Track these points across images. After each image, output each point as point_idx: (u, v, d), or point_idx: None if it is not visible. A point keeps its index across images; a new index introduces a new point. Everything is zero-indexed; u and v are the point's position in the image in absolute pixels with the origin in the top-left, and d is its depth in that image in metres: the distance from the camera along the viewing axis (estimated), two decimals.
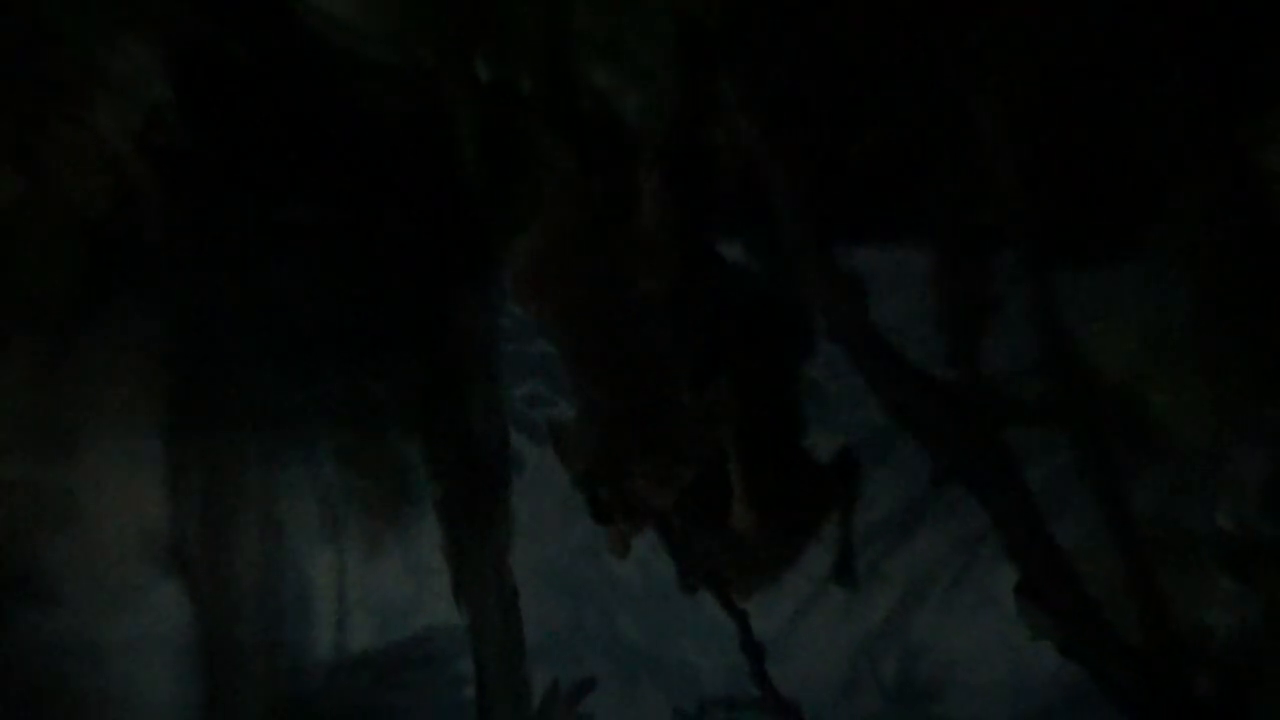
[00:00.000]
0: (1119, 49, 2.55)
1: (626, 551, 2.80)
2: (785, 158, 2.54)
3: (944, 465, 2.67)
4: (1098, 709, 2.62)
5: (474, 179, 2.63)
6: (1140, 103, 2.57)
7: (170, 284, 3.03)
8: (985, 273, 2.67)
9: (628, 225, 2.62)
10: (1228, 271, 2.58)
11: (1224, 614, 2.64)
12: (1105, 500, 2.54)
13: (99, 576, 3.12)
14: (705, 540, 2.81)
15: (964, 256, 2.67)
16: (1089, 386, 2.59)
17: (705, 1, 2.45)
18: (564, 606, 3.16)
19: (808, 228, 2.56)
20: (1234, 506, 2.66)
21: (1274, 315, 2.57)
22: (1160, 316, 2.63)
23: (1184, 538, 2.65)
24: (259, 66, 2.78)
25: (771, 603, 2.88)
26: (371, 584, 3.20)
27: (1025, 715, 2.97)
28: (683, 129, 2.52)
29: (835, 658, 3.02)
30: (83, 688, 3.14)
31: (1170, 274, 2.61)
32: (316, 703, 3.15)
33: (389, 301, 3.09)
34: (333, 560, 3.17)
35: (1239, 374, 2.59)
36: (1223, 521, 2.66)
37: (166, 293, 3.04)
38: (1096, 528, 2.56)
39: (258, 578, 3.13)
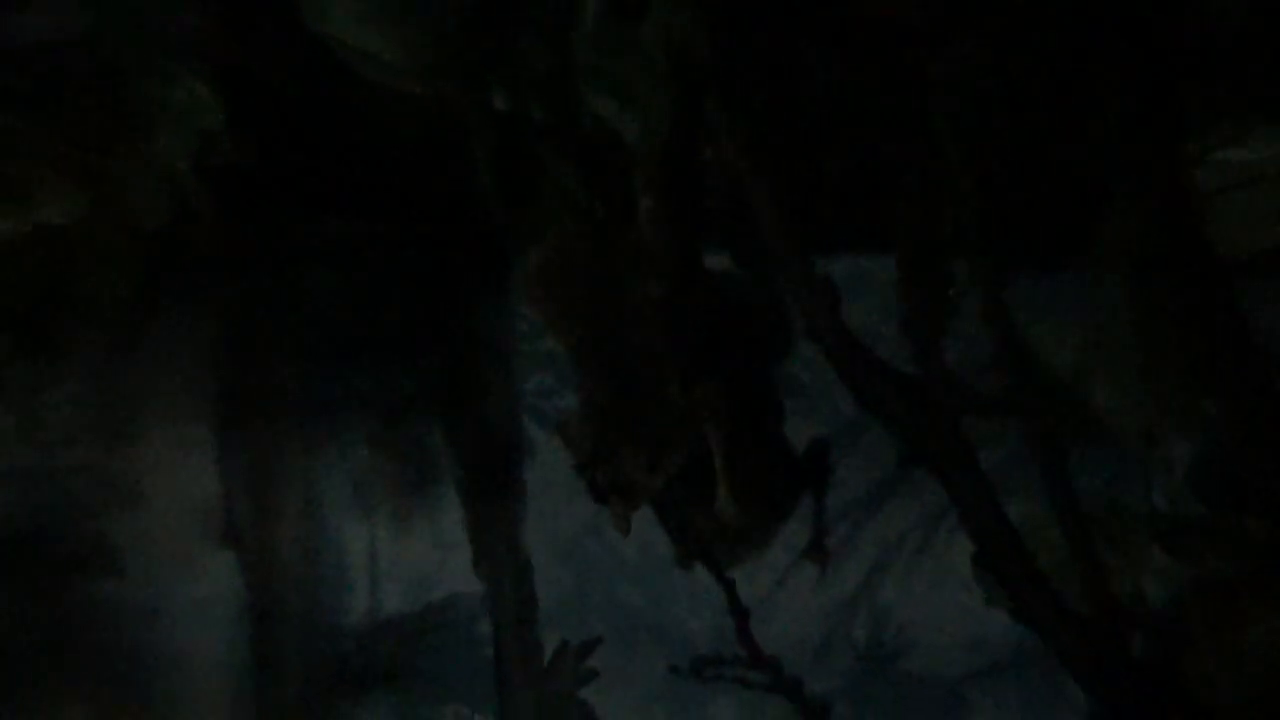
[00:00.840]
0: (1064, 83, 2.56)
1: (628, 529, 2.81)
2: (766, 177, 2.54)
3: (908, 451, 2.67)
4: (1044, 665, 2.62)
5: (490, 197, 2.63)
6: (1083, 130, 2.58)
7: (221, 290, 3.06)
8: (944, 279, 2.67)
9: (626, 238, 2.63)
10: (1160, 279, 2.58)
11: (1157, 583, 2.65)
12: (1052, 481, 2.54)
13: (159, 549, 3.13)
14: (695, 519, 2.82)
15: (925, 265, 2.68)
16: (1037, 381, 2.61)
17: (694, 39, 2.45)
18: (571, 576, 3.15)
19: (787, 240, 2.56)
20: (1166, 487, 2.67)
21: (1201, 318, 2.57)
22: (1100, 319, 2.64)
23: (1122, 515, 2.67)
24: (300, 98, 2.80)
25: (755, 572, 2.90)
26: (400, 556, 3.19)
27: (980, 671, 2.96)
28: (674, 152, 2.53)
29: (811, 621, 3.01)
30: (145, 648, 3.15)
31: (1110, 281, 2.61)
32: (351, 661, 3.16)
33: (415, 305, 3.12)
34: (365, 534, 3.18)
35: (1170, 370, 2.59)
36: (1156, 501, 2.67)
37: (218, 298, 3.07)
38: (1044, 506, 2.56)
39: (299, 550, 3.16)
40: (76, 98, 2.90)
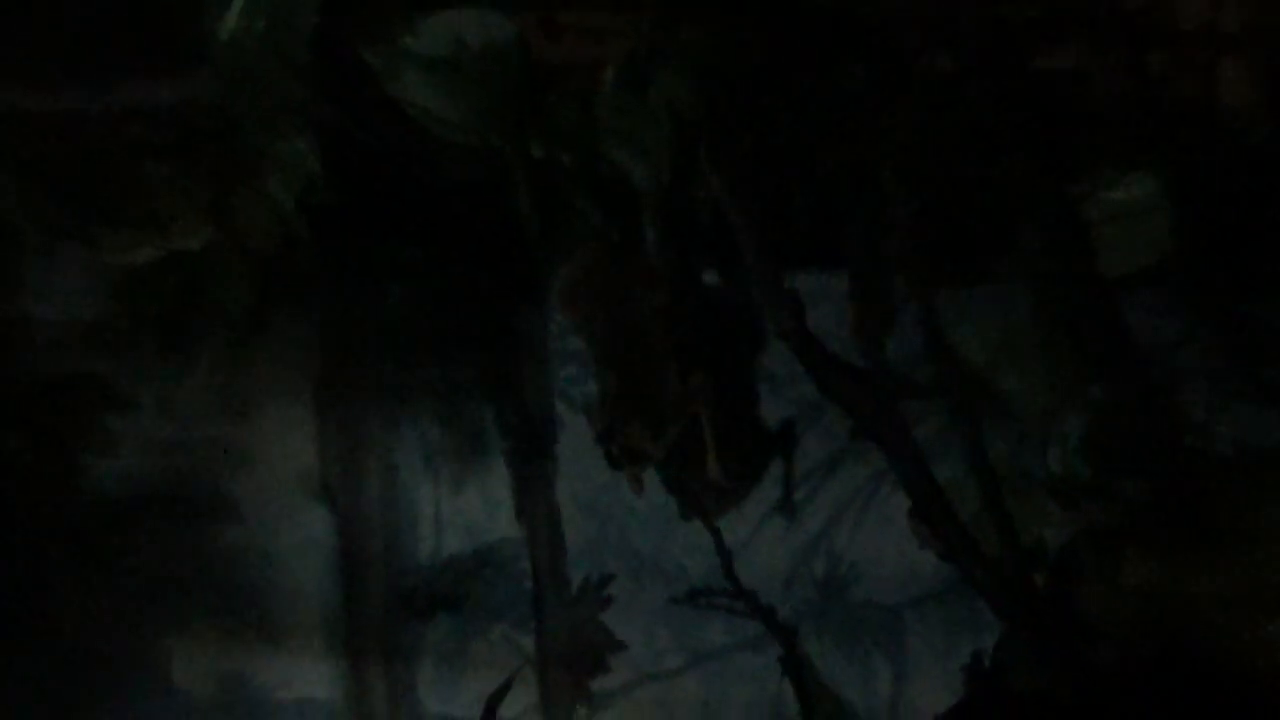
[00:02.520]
0: (983, 140, 2.58)
1: (641, 489, 2.84)
2: (745, 211, 2.57)
3: (858, 426, 2.69)
4: (965, 595, 2.66)
5: (529, 226, 2.66)
6: (996, 172, 2.59)
7: (318, 299, 3.07)
8: (887, 291, 2.68)
9: (635, 259, 2.68)
10: (1057, 291, 2.61)
11: (1054, 531, 2.65)
12: (971, 451, 2.58)
13: (269, 504, 3.15)
14: (690, 480, 2.84)
15: (871, 281, 2.68)
16: (958, 371, 2.63)
17: (689, 105, 2.48)
18: (593, 525, 3.12)
19: (762, 260, 2.59)
20: (1060, 456, 2.67)
21: (1089, 322, 2.60)
22: (1009, 322, 2.64)
23: (1025, 478, 2.67)
24: (380, 147, 2.79)
25: (736, 522, 2.91)
26: (458, 509, 3.18)
27: (914, 599, 2.94)
28: (674, 191, 2.56)
29: (781, 560, 2.98)
30: (259, 582, 3.17)
31: (1017, 293, 2.63)
32: (419, 591, 3.16)
33: (469, 311, 3.10)
34: (431, 492, 3.17)
35: (1064, 363, 2.61)
36: (1052, 466, 2.67)
37: (315, 306, 3.08)
38: (964, 470, 2.60)
39: (379, 505, 3.18)
40: (206, 149, 2.91)
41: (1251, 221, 2.60)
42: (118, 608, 3.17)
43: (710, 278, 2.84)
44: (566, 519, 3.11)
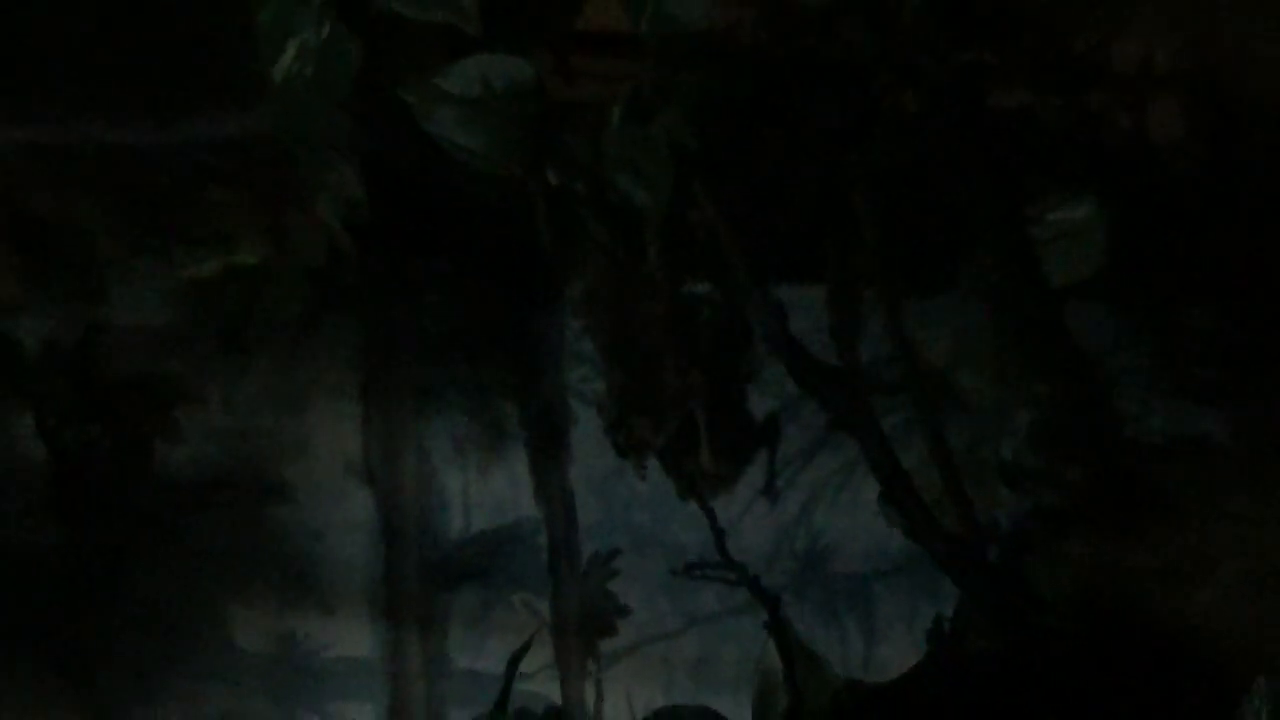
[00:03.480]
0: (941, 166, 2.57)
1: (644, 474, 2.87)
2: (735, 230, 2.55)
3: (834, 419, 2.68)
4: (927, 568, 2.63)
5: (546, 244, 2.63)
6: (954, 197, 2.59)
7: (362, 307, 3.09)
8: (858, 300, 2.66)
9: (639, 273, 2.65)
10: (1009, 300, 2.60)
11: (1005, 512, 2.64)
12: (932, 441, 2.55)
13: (320, 487, 3.16)
14: (687, 466, 2.84)
15: (845, 292, 2.66)
16: (921, 371, 2.60)
17: (686, 139, 2.47)
18: (602, 506, 3.11)
19: (749, 273, 2.58)
20: (1012, 446, 2.65)
21: (1037, 327, 2.58)
22: (966, 327, 2.63)
23: (981, 464, 2.64)
24: (416, 175, 2.78)
25: (728, 504, 2.90)
26: (484, 491, 3.17)
27: (882, 571, 2.93)
28: (672, 214, 2.53)
29: (766, 537, 2.96)
30: (311, 556, 3.18)
31: (972, 301, 2.62)
32: (450, 562, 3.16)
33: (494, 318, 3.12)
34: (460, 476, 3.16)
35: (1014, 363, 2.60)
36: (1004, 454, 2.65)
37: (359, 313, 3.11)
38: (927, 458, 2.57)
39: (415, 487, 3.17)
40: (263, 176, 2.95)
41: (1176, 240, 2.58)
42: (186, 577, 3.17)
43: (704, 289, 2.82)
44: (578, 500, 3.11)
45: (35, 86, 2.97)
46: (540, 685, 3.05)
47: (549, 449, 3.13)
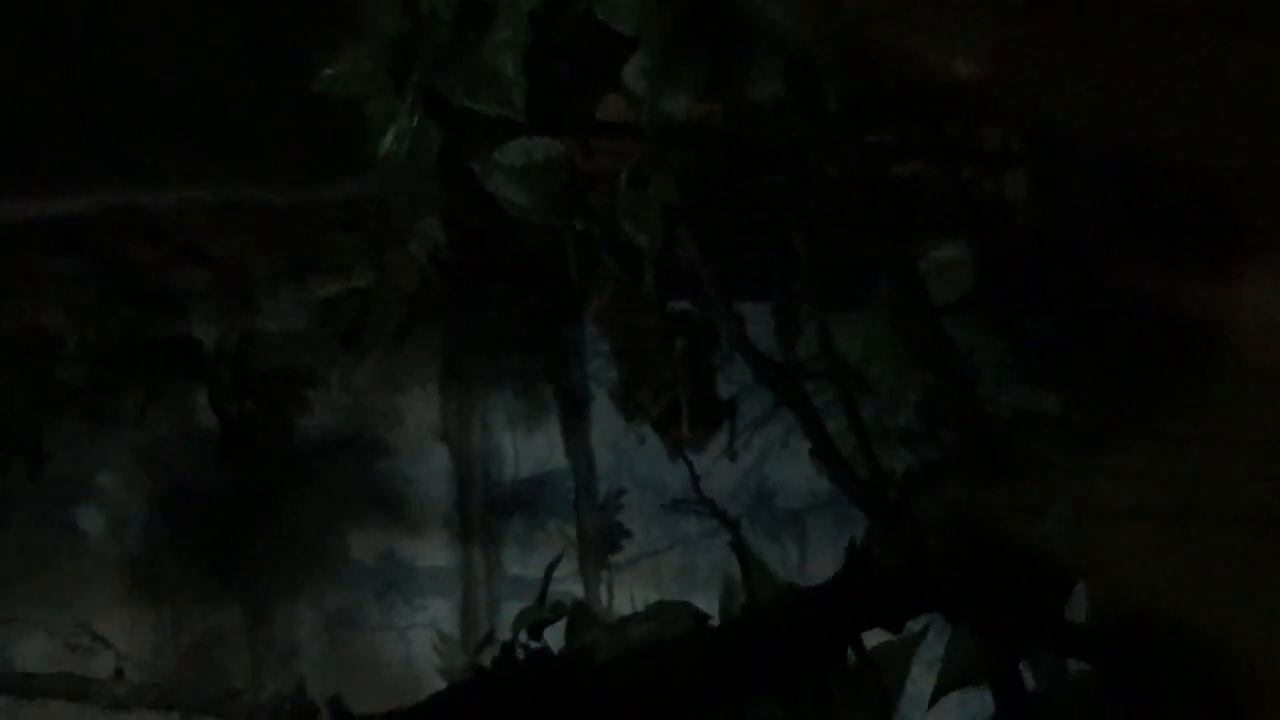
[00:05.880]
0: (856, 217, 2.56)
1: (643, 439, 2.99)
2: (710, 263, 2.52)
3: (778, 399, 2.61)
4: (845, 504, 2.54)
5: (574, 274, 2.58)
6: (865, 240, 2.58)
7: (443, 319, 3.16)
8: (796, 313, 2.71)
9: (639, 294, 2.59)
10: (902, 313, 2.59)
11: (900, 463, 2.59)
12: (849, 414, 2.50)
13: (412, 444, 3.25)
14: (673, 432, 2.96)
15: (787, 306, 2.72)
16: (843, 366, 2.57)
17: (674, 198, 2.45)
18: (612, 458, 3.14)
19: (719, 294, 2.55)
20: (905, 417, 2.62)
21: (923, 334, 2.58)
22: (874, 333, 2.61)
23: (884, 430, 2.61)
24: (481, 224, 2.79)
25: (702, 458, 3.00)
26: (528, 448, 3.26)
27: (814, 505, 3.00)
28: (664, 252, 2.50)
29: (730, 481, 3.01)
30: (405, 497, 3.27)
31: (878, 314, 2.61)
32: (504, 499, 3.25)
33: (536, 325, 3.22)
34: (511, 438, 3.26)
35: (907, 360, 2.61)
36: (901, 422, 2.62)
37: (442, 323, 3.18)
38: (845, 426, 2.50)
39: (479, 445, 3.26)
40: (372, 224, 3.02)
41: (1022, 271, 2.61)
42: (316, 510, 3.27)
43: (685, 306, 2.92)
44: (596, 455, 3.21)
45: (212, 158, 3.02)
46: (568, 586, 3.11)
47: (575, 418, 3.21)
